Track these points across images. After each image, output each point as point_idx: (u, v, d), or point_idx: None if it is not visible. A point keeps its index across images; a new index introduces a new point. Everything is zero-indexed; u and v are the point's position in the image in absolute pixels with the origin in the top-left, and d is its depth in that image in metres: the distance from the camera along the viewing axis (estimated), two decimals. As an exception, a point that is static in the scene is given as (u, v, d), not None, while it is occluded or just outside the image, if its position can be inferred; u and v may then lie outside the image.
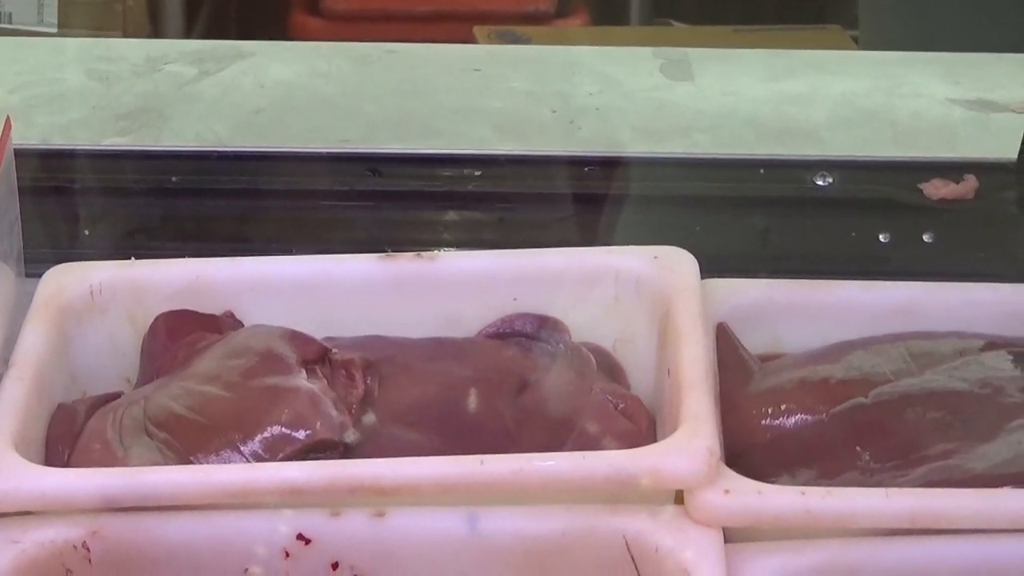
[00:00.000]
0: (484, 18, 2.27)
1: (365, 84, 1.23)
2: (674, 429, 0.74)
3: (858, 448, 0.78)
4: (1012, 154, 1.03)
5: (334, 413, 0.77)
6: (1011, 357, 0.82)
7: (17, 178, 0.85)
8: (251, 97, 1.21)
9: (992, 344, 0.83)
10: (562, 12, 2.56)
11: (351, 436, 0.77)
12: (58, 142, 1.12)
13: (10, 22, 2.39)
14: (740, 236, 1.02)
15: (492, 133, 1.13)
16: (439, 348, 0.85)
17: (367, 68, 1.26)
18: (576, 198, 1.05)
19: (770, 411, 0.80)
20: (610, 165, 1.08)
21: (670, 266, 0.85)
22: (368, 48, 1.30)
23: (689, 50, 1.27)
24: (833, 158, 1.09)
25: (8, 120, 0.83)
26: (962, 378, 0.81)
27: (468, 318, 0.87)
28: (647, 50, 1.28)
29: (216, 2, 2.72)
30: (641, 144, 1.13)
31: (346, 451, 0.77)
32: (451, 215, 1.04)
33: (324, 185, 1.07)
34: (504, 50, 1.28)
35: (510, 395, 0.82)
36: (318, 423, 0.76)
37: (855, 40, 2.10)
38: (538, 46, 1.29)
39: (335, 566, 0.73)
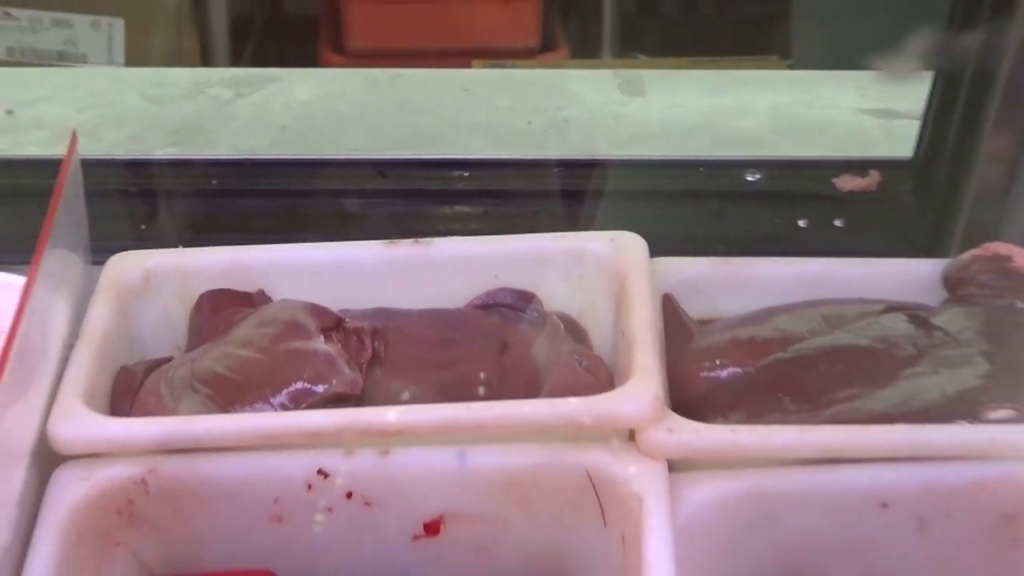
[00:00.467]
0: (482, 53, 2.25)
1: (373, 103, 1.23)
2: (627, 380, 0.75)
3: (779, 394, 0.78)
4: (908, 153, 1.03)
5: (347, 371, 0.77)
6: (905, 318, 0.82)
7: (84, 183, 0.85)
8: (279, 115, 1.21)
9: (890, 308, 0.83)
10: (546, 47, 2.54)
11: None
12: (118, 153, 1.12)
13: (85, 61, 2.39)
14: (683, 223, 1.02)
15: (479, 141, 1.13)
16: (434, 317, 0.85)
17: (375, 90, 1.26)
18: (547, 193, 1.05)
19: (707, 365, 0.81)
20: (575, 166, 1.08)
21: (624, 247, 0.85)
22: (376, 73, 1.30)
23: (642, 71, 1.27)
24: (760, 158, 1.09)
25: (75, 134, 0.83)
26: (865, 336, 0.81)
27: (458, 292, 0.87)
28: (607, 72, 1.28)
29: (257, 43, 2.70)
30: (601, 149, 1.13)
31: (358, 401, 0.77)
32: (444, 209, 1.04)
33: (339, 185, 1.07)
34: (489, 74, 1.28)
35: (493, 355, 0.82)
36: (334, 379, 0.76)
37: (790, 67, 2.08)
38: (516, 70, 1.28)
39: (349, 495, 0.74)
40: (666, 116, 1.19)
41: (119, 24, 2.40)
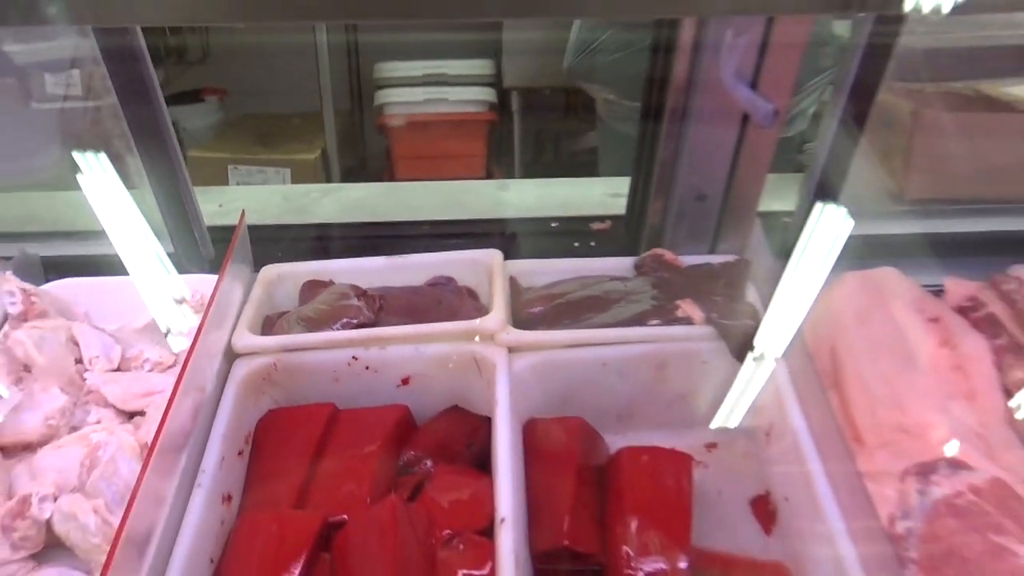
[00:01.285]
0: (458, 178, 2.24)
1: (389, 196, 1.22)
2: (491, 313, 0.76)
3: (560, 318, 0.80)
4: (623, 212, 1.04)
5: (368, 313, 0.78)
6: (618, 283, 0.84)
7: (249, 235, 0.85)
8: (343, 202, 1.19)
9: (612, 278, 0.85)
10: (488, 175, 2.55)
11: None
12: (268, 222, 1.11)
13: (266, 183, 2.40)
14: (522, 246, 1.03)
15: (435, 212, 1.12)
16: (407, 290, 0.85)
17: (390, 191, 1.25)
18: (464, 234, 1.05)
19: (528, 306, 0.82)
20: (475, 222, 1.09)
21: (492, 257, 0.86)
22: (391, 184, 1.29)
23: (509, 181, 1.27)
24: (559, 215, 1.10)
25: (243, 212, 0.84)
26: (599, 290, 0.83)
27: (420, 278, 0.87)
28: (493, 183, 1.28)
29: (354, 176, 2.68)
30: (490, 214, 1.13)
31: (372, 326, 0.77)
32: (417, 242, 1.04)
33: (370, 233, 1.07)
34: (442, 184, 1.26)
35: (435, 305, 0.83)
36: (361, 316, 0.77)
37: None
38: (457, 181, 1.27)
39: (367, 368, 0.75)
40: (518, 199, 1.19)
41: (287, 172, 2.42)
